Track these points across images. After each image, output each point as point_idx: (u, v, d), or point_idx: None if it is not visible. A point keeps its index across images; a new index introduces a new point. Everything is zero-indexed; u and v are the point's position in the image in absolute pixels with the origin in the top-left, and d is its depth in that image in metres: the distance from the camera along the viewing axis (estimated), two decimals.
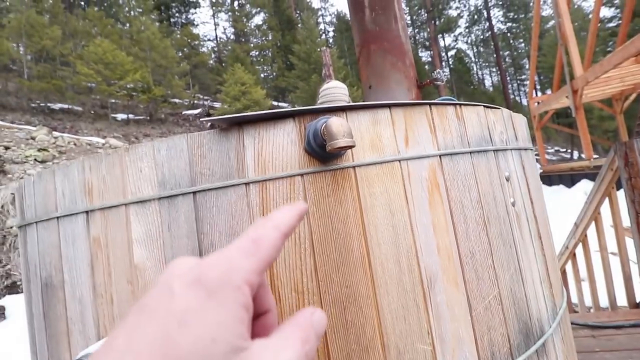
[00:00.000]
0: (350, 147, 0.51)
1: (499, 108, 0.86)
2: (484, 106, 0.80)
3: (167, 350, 0.16)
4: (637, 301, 2.17)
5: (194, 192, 0.59)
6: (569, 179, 10.28)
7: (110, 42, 15.22)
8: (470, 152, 0.74)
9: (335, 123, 0.50)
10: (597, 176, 2.43)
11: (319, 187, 0.60)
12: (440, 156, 0.69)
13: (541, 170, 12.45)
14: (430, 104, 0.70)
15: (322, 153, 0.57)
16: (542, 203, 1.01)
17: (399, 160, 0.65)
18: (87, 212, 0.66)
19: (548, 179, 11.84)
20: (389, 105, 0.66)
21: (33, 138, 8.98)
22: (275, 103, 22.19)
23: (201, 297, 0.18)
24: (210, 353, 0.17)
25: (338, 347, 0.58)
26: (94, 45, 14.34)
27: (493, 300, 0.70)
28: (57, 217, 0.69)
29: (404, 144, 0.66)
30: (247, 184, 0.59)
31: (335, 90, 1.62)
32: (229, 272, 0.19)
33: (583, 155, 11.06)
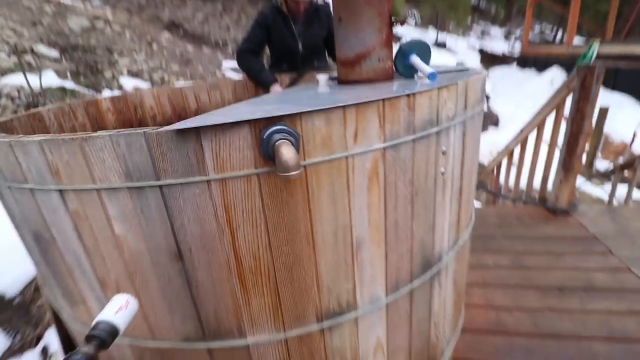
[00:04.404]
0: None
1: (456, 84, 0.88)
2: (438, 88, 0.83)
3: None
4: (547, 206, 2.62)
5: (160, 186, 0.67)
6: (543, 64, 10.25)
7: None
8: (414, 139, 0.82)
9: (285, 156, 0.56)
10: (556, 90, 2.55)
11: (273, 184, 0.69)
12: (384, 148, 0.77)
13: (520, 52, 12.17)
14: (384, 100, 0.73)
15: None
16: (474, 152, 1.15)
17: (346, 157, 0.73)
18: (60, 190, 0.71)
19: (523, 60, 11.72)
20: (344, 107, 0.68)
21: None
22: None
23: None
24: None
25: (286, 292, 0.80)
26: None
27: (406, 251, 0.93)
28: (30, 189, 0.74)
29: (353, 141, 0.73)
30: (208, 181, 0.67)
31: None
32: None
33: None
